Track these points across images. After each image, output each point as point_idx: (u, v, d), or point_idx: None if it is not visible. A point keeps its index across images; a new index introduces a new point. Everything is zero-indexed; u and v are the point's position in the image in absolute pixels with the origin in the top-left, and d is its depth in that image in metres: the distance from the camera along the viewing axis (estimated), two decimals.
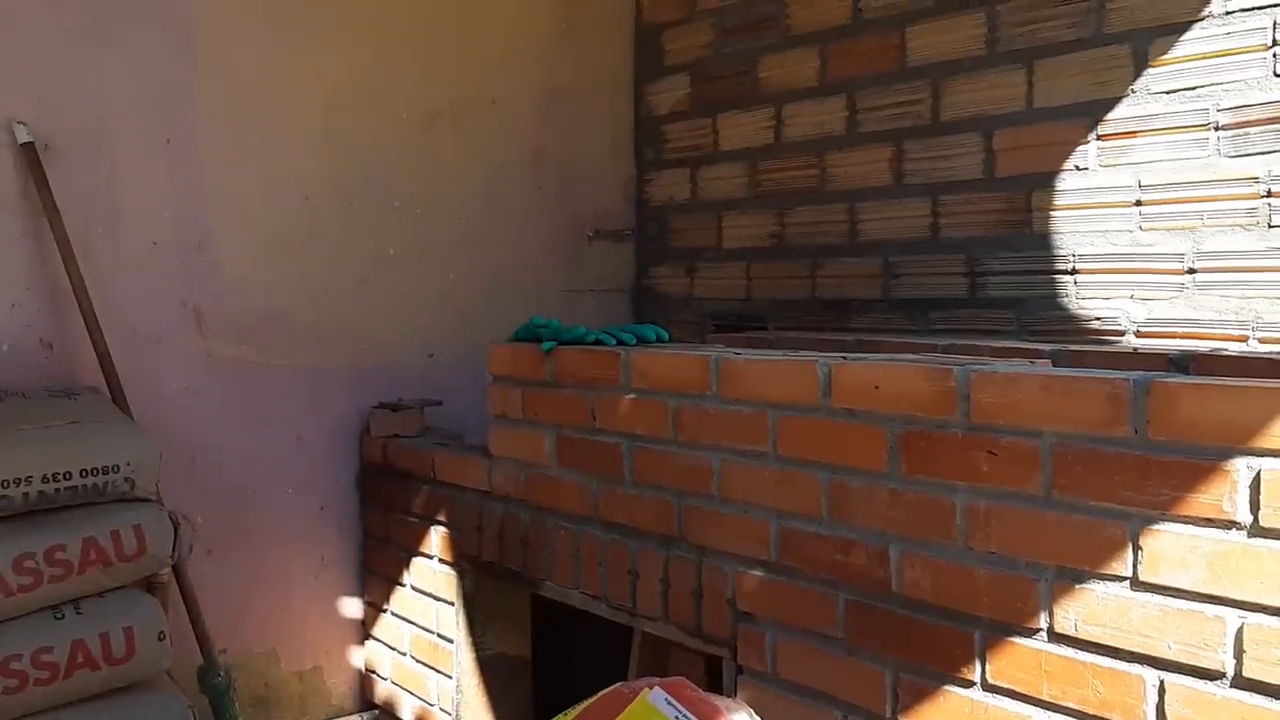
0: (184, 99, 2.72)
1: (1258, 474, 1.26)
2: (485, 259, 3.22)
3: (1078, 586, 1.43)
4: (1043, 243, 2.50)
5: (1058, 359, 2.16)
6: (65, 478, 2.14)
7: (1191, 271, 2.25)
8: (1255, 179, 2.14)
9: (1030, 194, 2.52)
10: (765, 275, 3.14)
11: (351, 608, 3.01)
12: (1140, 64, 2.31)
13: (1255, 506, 1.26)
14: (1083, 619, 1.43)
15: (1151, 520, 1.35)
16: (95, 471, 2.18)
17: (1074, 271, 2.45)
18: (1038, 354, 2.02)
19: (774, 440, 1.84)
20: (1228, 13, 2.17)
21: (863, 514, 1.70)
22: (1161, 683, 1.35)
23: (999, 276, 2.59)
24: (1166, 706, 1.35)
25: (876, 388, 1.67)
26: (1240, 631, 1.28)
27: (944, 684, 1.60)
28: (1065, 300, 2.47)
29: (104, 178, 2.63)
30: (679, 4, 3.36)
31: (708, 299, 3.32)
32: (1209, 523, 1.30)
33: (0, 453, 2.08)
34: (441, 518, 2.69)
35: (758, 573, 1.88)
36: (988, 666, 1.55)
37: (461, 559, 2.64)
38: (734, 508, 1.92)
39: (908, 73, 2.75)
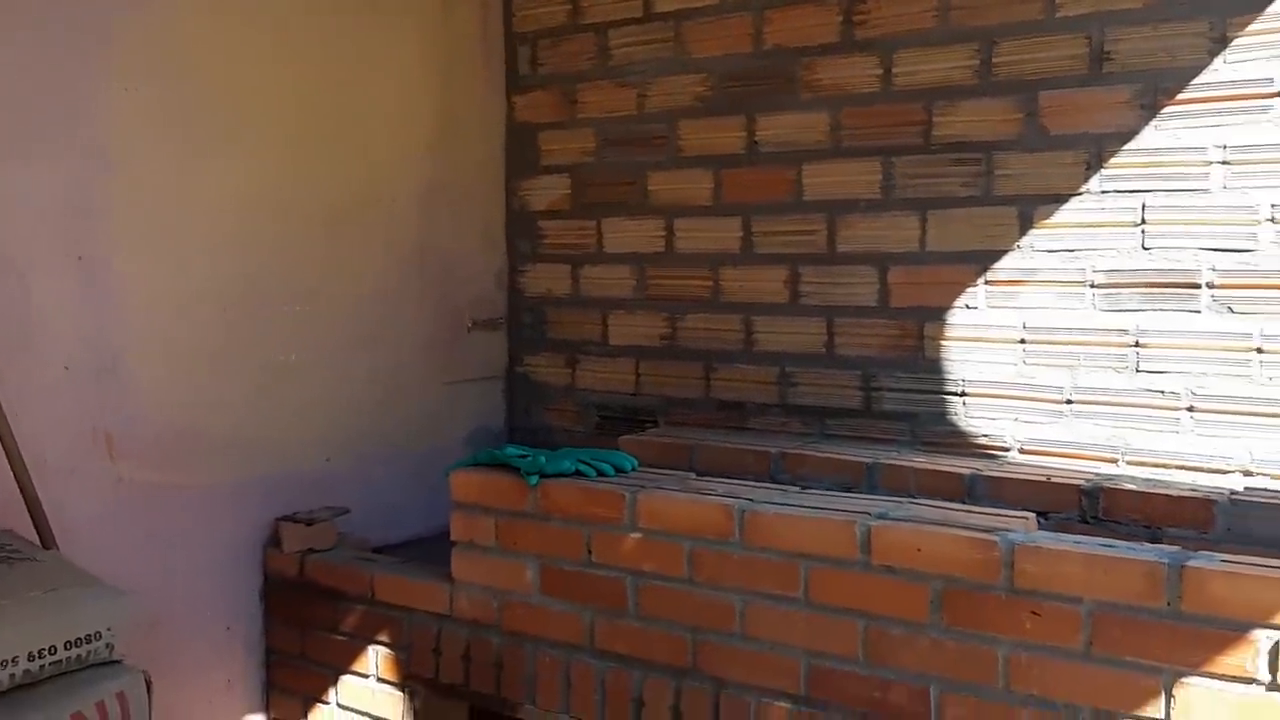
0: (95, 214, 2.55)
1: (1275, 643, 1.63)
2: (377, 356, 3.21)
3: None
4: (934, 367, 2.88)
5: (975, 482, 2.54)
6: (50, 652, 2.00)
7: (1069, 402, 2.69)
8: (1125, 331, 2.61)
9: (923, 324, 2.88)
10: (656, 373, 3.34)
11: None
12: (1026, 224, 2.73)
13: (1274, 669, 1.64)
14: None
15: (1182, 674, 1.71)
16: (79, 642, 2.04)
17: (963, 394, 2.84)
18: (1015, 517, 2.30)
19: (805, 588, 2.06)
20: (1103, 191, 2.62)
21: (902, 657, 1.96)
22: None
23: (893, 392, 2.94)
24: None
25: (919, 550, 1.94)
26: None
27: None
28: (954, 418, 2.86)
29: (16, 298, 2.43)
30: (557, 108, 3.49)
31: (592, 390, 3.47)
32: (1234, 679, 1.67)
33: None
34: (384, 638, 2.70)
35: (784, 704, 2.10)
36: None
37: (411, 680, 2.65)
38: (759, 645, 2.13)
39: (804, 205, 3.05)
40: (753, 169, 3.13)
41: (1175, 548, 1.79)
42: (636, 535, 2.27)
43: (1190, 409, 2.52)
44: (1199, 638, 1.69)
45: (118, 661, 2.13)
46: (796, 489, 2.31)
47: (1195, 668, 1.69)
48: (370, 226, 3.19)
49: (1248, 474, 2.45)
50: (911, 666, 1.95)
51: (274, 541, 2.90)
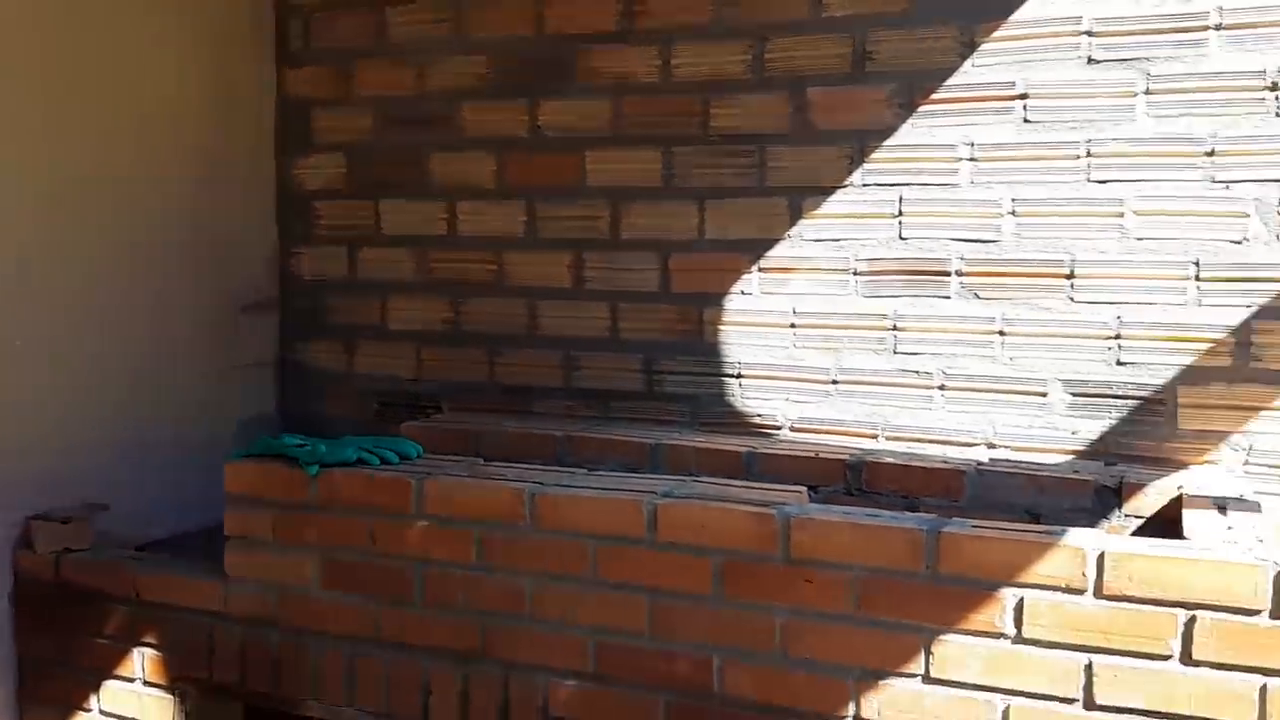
0: None
1: (1020, 599, 1.80)
2: (138, 341, 3.04)
3: (880, 683, 1.90)
4: (713, 350, 2.98)
5: (751, 459, 2.66)
6: None
7: (835, 382, 2.85)
8: (885, 315, 2.79)
9: (702, 310, 2.99)
10: (438, 358, 3.31)
11: None
12: (796, 214, 2.87)
13: (1019, 623, 1.80)
14: (884, 707, 1.90)
15: (940, 632, 1.86)
16: None
17: (739, 376, 2.96)
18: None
19: (594, 566, 2.11)
20: (865, 184, 2.79)
21: (686, 630, 2.04)
22: None
23: (674, 375, 3.03)
24: None
25: (702, 526, 2.02)
26: (1006, 711, 1.82)
27: None
28: (732, 399, 2.97)
29: None
30: (331, 84, 3.39)
31: (371, 376, 3.40)
32: (984, 634, 1.83)
33: None
34: (150, 639, 2.56)
35: (573, 682, 2.14)
36: None
37: (182, 681, 2.54)
38: (548, 626, 2.16)
39: (587, 191, 3.09)
40: (536, 153, 3.14)
41: (933, 516, 1.93)
42: (423, 523, 2.25)
43: (942, 387, 2.72)
44: (954, 598, 1.84)
45: None
46: (584, 471, 2.34)
47: (951, 625, 1.84)
48: (132, 204, 3.00)
49: (992, 446, 2.67)
50: (695, 638, 2.03)
51: (25, 542, 2.69)
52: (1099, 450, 2.58)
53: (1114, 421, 2.57)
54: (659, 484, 2.17)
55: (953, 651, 1.85)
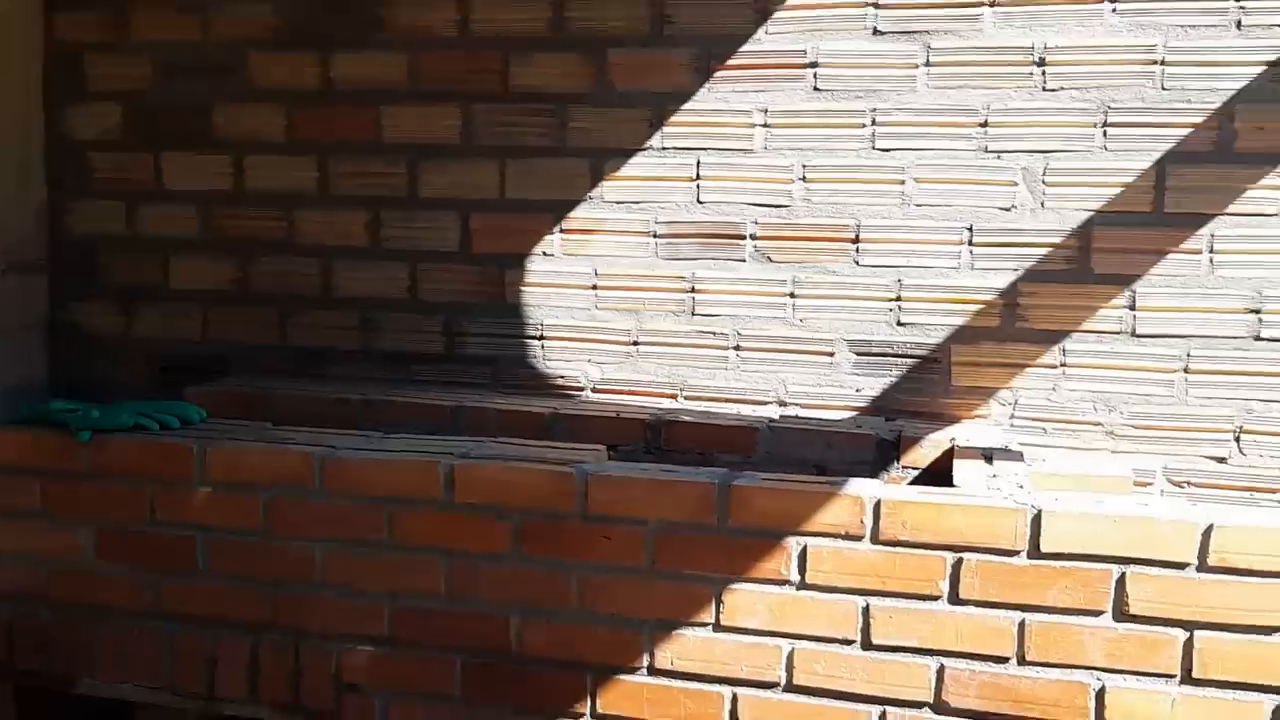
0: None
1: (804, 547, 1.88)
2: None
3: (673, 633, 1.95)
4: (515, 311, 2.96)
5: (554, 420, 2.67)
6: None
7: (636, 344, 2.89)
8: (683, 278, 2.84)
9: (504, 270, 2.96)
10: (226, 320, 3.16)
11: None
12: (597, 176, 2.87)
13: (803, 570, 1.88)
14: (677, 656, 1.95)
15: (730, 582, 1.92)
16: None
17: (542, 338, 2.96)
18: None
19: (389, 530, 2.07)
20: (664, 148, 2.82)
21: (484, 590, 2.03)
22: (735, 695, 1.93)
23: (476, 337, 3.00)
24: (739, 711, 1.93)
25: (500, 485, 2.01)
26: (791, 655, 1.90)
27: (559, 718, 2.02)
28: (534, 361, 2.97)
29: None
30: (105, 29, 3.17)
31: (153, 340, 3.22)
32: (771, 582, 1.90)
33: None
34: None
35: (367, 648, 2.10)
36: (598, 701, 2.00)
37: None
38: (341, 592, 2.11)
39: (384, 147, 3.01)
40: (329, 107, 3.02)
41: (724, 470, 1.99)
42: (206, 490, 2.15)
43: (737, 348, 2.80)
44: (743, 548, 1.90)
45: None
46: (380, 435, 2.29)
47: (741, 575, 1.90)
48: None
49: (783, 404, 2.76)
50: (493, 598, 2.02)
51: None
52: (882, 407, 2.71)
53: (895, 379, 2.71)
54: (457, 445, 2.15)
55: (742, 600, 1.91)
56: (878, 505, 1.84)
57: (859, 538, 1.85)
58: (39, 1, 3.19)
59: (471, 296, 2.99)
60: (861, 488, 1.86)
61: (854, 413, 2.72)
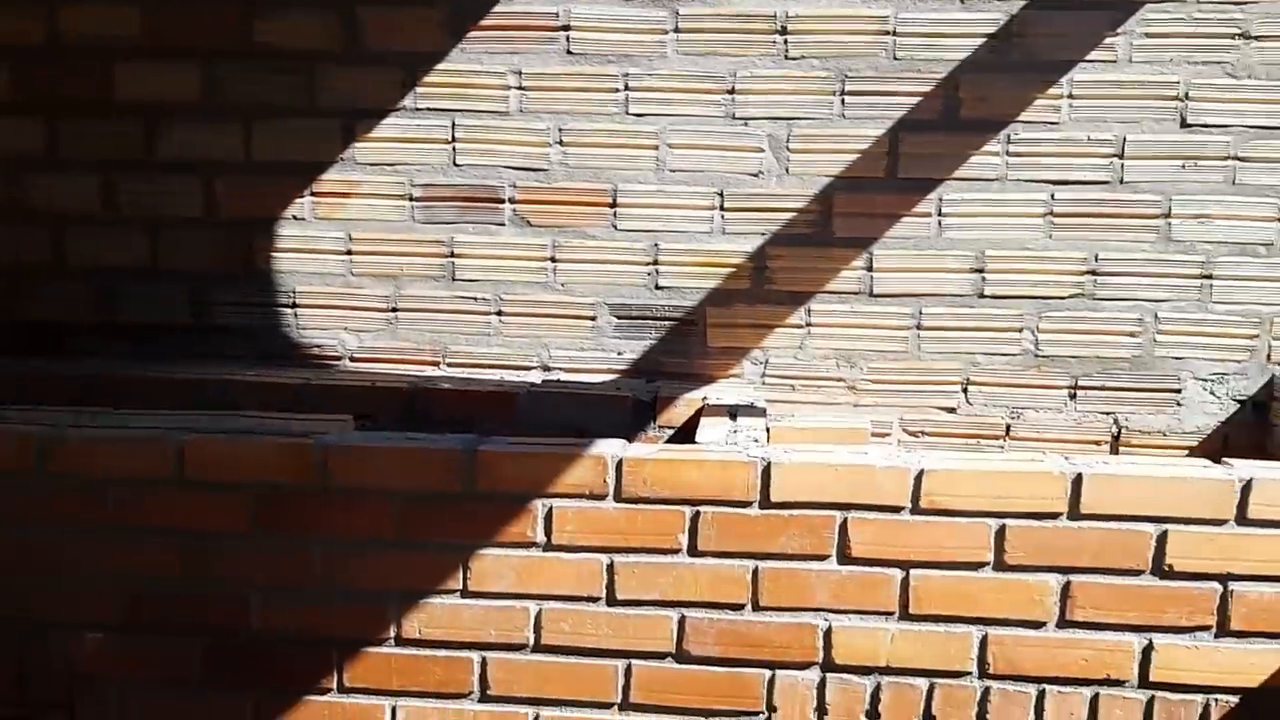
0: None
1: (550, 509, 1.89)
2: None
3: (421, 602, 1.93)
4: (265, 279, 2.85)
5: (305, 392, 2.59)
6: None
7: (394, 310, 2.83)
8: (442, 243, 2.79)
9: (252, 236, 2.84)
10: None
11: None
12: (349, 137, 2.78)
13: (549, 531, 1.90)
14: (425, 625, 1.94)
15: (477, 547, 1.91)
16: None
17: (295, 306, 2.86)
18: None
19: (116, 512, 1.96)
20: (418, 109, 2.76)
21: (222, 570, 1.96)
22: (484, 659, 1.93)
23: (226, 306, 2.87)
24: (489, 674, 1.94)
25: (236, 461, 1.93)
26: (539, 615, 1.91)
27: (305, 695, 1.98)
28: (289, 330, 2.87)
29: None
30: None
31: None
32: (518, 545, 1.91)
33: None
34: None
35: (98, 635, 1.99)
36: (345, 674, 1.97)
37: None
38: (69, 581, 1.99)
39: (119, 106, 2.82)
40: (56, 63, 2.81)
41: (469, 435, 1.97)
42: None
43: (499, 314, 2.79)
44: (490, 513, 1.90)
45: None
46: (107, 411, 2.16)
47: (488, 540, 1.90)
48: None
49: (547, 369, 2.77)
50: (232, 577, 1.95)
51: None
52: (643, 369, 2.76)
53: (654, 341, 2.76)
54: (188, 420, 2.05)
55: (489, 565, 1.91)
56: (619, 464, 1.87)
57: (602, 496, 1.88)
58: None
59: (219, 264, 2.86)
60: (604, 448, 1.89)
61: (616, 375, 2.76)
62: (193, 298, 2.88)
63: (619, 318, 2.76)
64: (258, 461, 1.93)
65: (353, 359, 2.85)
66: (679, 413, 2.54)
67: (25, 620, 2.01)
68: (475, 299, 2.80)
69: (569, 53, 2.70)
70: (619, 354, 2.77)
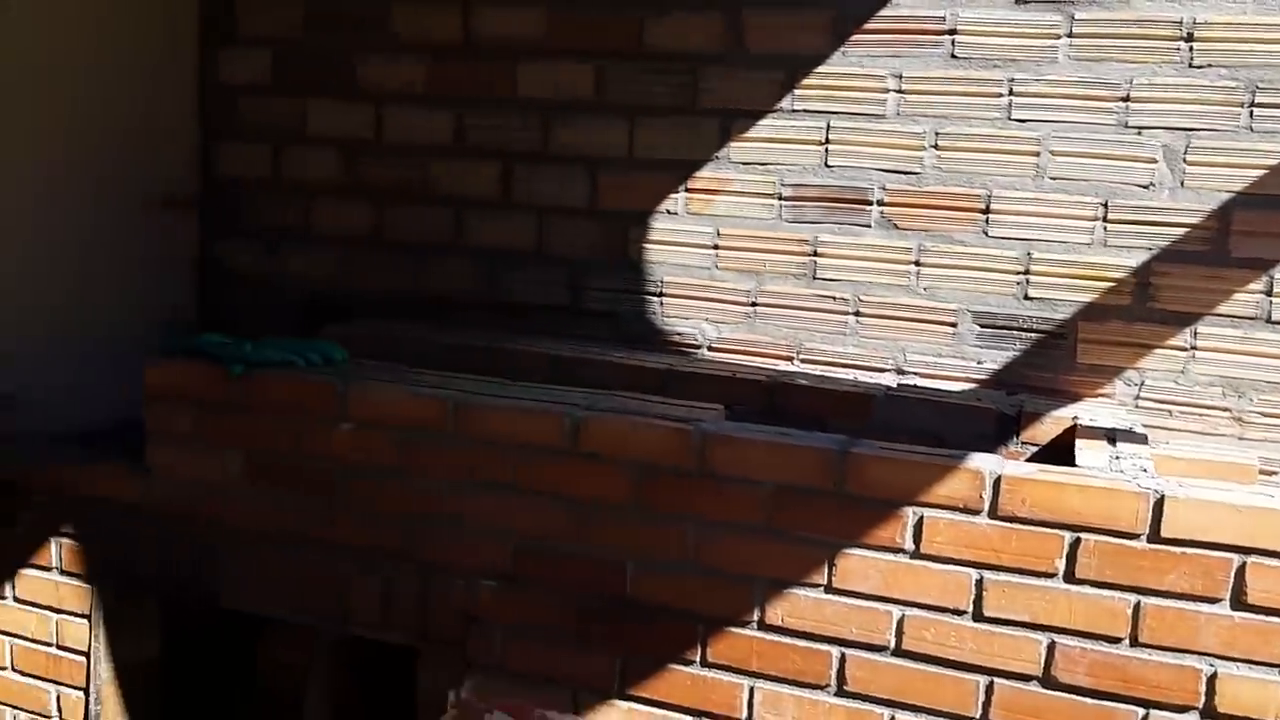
0: None
1: (920, 517, 1.91)
2: (52, 232, 2.97)
3: (785, 591, 2.01)
4: (637, 268, 3.02)
5: (669, 377, 2.73)
6: None
7: (754, 305, 2.92)
8: (806, 242, 2.85)
9: (628, 228, 3.02)
10: (362, 266, 3.29)
11: None
12: (724, 137, 2.90)
13: (918, 539, 1.92)
14: (787, 614, 2.01)
15: (844, 546, 1.96)
16: None
17: (661, 295, 3.01)
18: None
19: (515, 475, 2.17)
20: (794, 110, 2.83)
21: (603, 537, 2.12)
22: (843, 655, 1.98)
23: (597, 291, 3.07)
24: (846, 670, 1.98)
25: (622, 438, 2.08)
26: (901, 620, 1.94)
27: (669, 664, 2.10)
28: (653, 317, 3.03)
29: None
30: None
31: (291, 279, 3.37)
32: (884, 549, 1.94)
33: None
34: (68, 530, 2.57)
35: (491, 583, 2.21)
36: (708, 650, 2.07)
37: (101, 573, 2.55)
38: (468, 530, 2.22)
39: (519, 102, 3.08)
40: (468, 62, 3.10)
41: (842, 436, 2.02)
42: (348, 427, 2.28)
43: (857, 314, 2.81)
44: (859, 514, 1.94)
45: None
46: (506, 382, 2.38)
47: (854, 540, 1.95)
48: (53, 93, 2.90)
49: (901, 372, 2.78)
50: (611, 544, 2.11)
51: None
52: (1002, 380, 2.70)
53: (1018, 353, 2.69)
54: (581, 397, 2.22)
55: (854, 564, 1.95)
56: (998, 481, 1.86)
57: (976, 511, 1.87)
58: None
59: (595, 252, 3.05)
60: (982, 462, 1.88)
61: (973, 384, 2.72)
62: (570, 281, 3.09)
63: (982, 326, 2.72)
64: (643, 441, 2.07)
65: (710, 348, 2.97)
66: (1044, 430, 2.47)
67: (431, 562, 2.26)
68: (834, 298, 2.84)
69: (953, 56, 2.68)
70: (978, 363, 2.73)
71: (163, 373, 2.42)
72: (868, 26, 2.74)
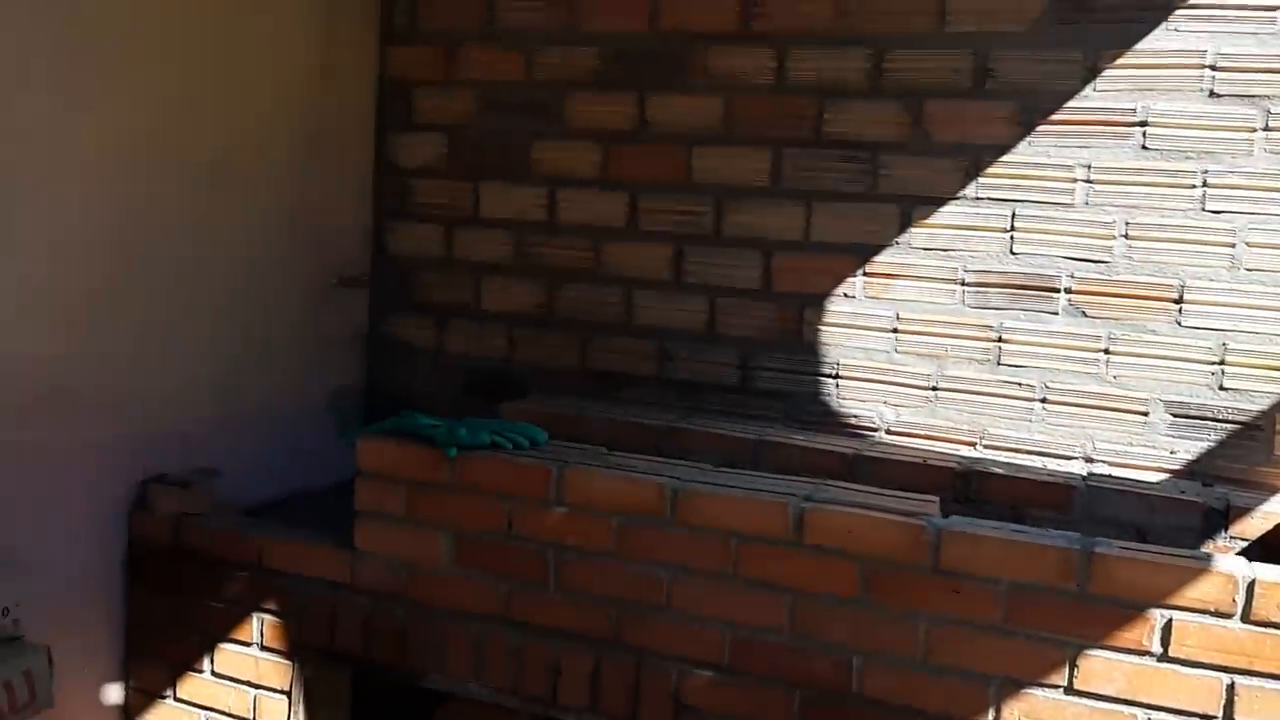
0: None
1: (1169, 620, 1.89)
2: (244, 311, 3.08)
3: (1022, 691, 1.99)
4: (811, 350, 3.05)
5: (858, 463, 2.73)
6: None
7: (935, 389, 2.93)
8: (990, 327, 2.86)
9: (803, 309, 3.05)
10: (530, 341, 3.36)
11: (113, 695, 2.78)
12: (905, 222, 2.93)
13: (1165, 643, 1.90)
14: (1025, 714, 1.99)
15: (1086, 647, 1.95)
16: None
17: (837, 376, 3.04)
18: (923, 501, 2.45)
19: (735, 563, 2.18)
20: (978, 198, 2.86)
21: (826, 630, 2.12)
22: None
23: (770, 372, 3.10)
24: None
25: (849, 532, 2.09)
26: None
27: None
28: (827, 399, 3.05)
29: None
30: (434, 65, 3.42)
31: (460, 355, 3.45)
32: (1130, 651, 1.92)
33: None
34: (271, 605, 2.63)
35: (706, 673, 2.22)
36: None
37: (302, 648, 2.60)
38: (683, 618, 2.23)
39: (692, 186, 3.14)
40: (642, 146, 3.18)
41: (1079, 535, 2.02)
42: (561, 510, 2.32)
43: (1043, 401, 2.81)
44: (1102, 615, 1.93)
45: (20, 637, 2.01)
46: (714, 468, 2.41)
47: (1097, 641, 1.93)
48: (243, 177, 3.03)
49: (1090, 460, 2.76)
50: (836, 638, 2.11)
51: (140, 504, 2.74)
52: (1195, 471, 2.68)
53: (1211, 444, 2.67)
54: (796, 486, 2.24)
55: (1097, 666, 1.94)
56: (1251, 584, 1.84)
57: (1229, 615, 1.85)
58: (376, 36, 3.47)
59: (768, 333, 3.09)
60: (1234, 565, 1.87)
61: (1165, 474, 2.70)
62: (740, 361, 3.13)
63: (1174, 415, 2.70)
64: (870, 534, 2.08)
65: (889, 431, 2.98)
66: (1254, 525, 2.44)
67: (642, 648, 2.27)
68: (1019, 384, 2.84)
69: (1144, 148, 2.69)
70: (1170, 453, 2.70)
71: (377, 452, 2.48)
72: (1055, 117, 2.76)
